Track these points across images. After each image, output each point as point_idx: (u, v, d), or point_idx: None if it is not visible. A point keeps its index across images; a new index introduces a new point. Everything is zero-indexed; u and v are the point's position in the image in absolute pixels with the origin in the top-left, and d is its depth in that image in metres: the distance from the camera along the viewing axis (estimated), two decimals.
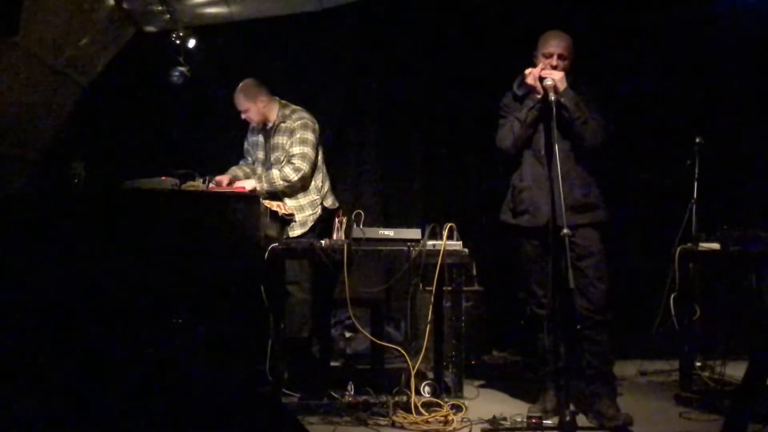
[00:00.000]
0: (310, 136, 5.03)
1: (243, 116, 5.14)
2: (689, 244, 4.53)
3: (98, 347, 3.95)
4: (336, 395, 4.29)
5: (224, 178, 4.97)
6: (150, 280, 4.06)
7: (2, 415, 3.61)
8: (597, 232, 4.18)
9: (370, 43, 6.15)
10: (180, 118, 5.78)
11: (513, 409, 4.24)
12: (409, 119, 6.20)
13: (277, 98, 5.17)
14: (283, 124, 5.09)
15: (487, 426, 3.92)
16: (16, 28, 3.91)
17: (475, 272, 5.61)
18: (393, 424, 4.03)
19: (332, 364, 5.26)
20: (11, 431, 3.54)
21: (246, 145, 5.35)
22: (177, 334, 4.05)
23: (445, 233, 4.33)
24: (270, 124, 5.15)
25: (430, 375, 4.73)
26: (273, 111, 5.13)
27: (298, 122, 5.05)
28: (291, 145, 5.02)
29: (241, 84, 5.10)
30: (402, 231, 4.42)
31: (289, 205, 4.97)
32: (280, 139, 5.09)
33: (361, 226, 4.36)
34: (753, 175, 5.79)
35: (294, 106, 5.18)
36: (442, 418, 4.06)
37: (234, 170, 5.22)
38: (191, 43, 5.23)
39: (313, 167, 5.07)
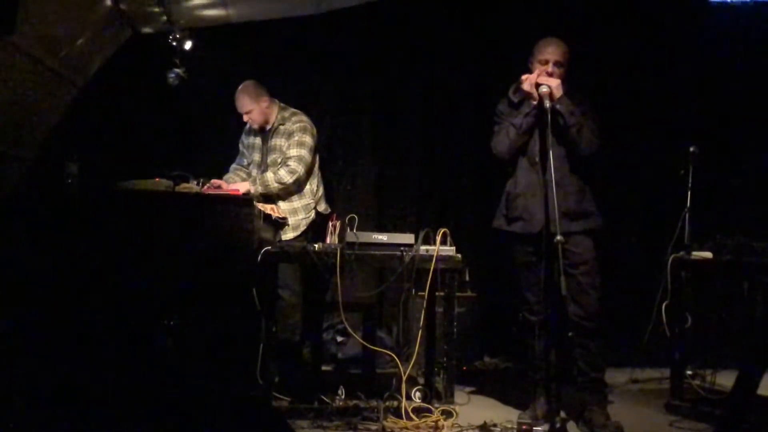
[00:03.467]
0: (308, 139, 5.04)
1: (245, 118, 5.14)
2: (682, 253, 4.53)
3: (91, 348, 3.94)
4: (327, 399, 4.30)
5: (223, 183, 4.98)
6: (143, 281, 4.05)
7: (1, 414, 3.61)
8: (590, 239, 4.19)
9: (366, 48, 6.15)
10: (176, 119, 5.77)
11: (504, 415, 4.25)
12: (404, 124, 6.20)
13: (276, 100, 5.18)
14: (282, 126, 5.09)
15: None
16: (12, 27, 3.90)
17: (467, 278, 5.60)
18: (383, 429, 4.04)
19: (323, 368, 5.23)
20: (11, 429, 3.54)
21: (241, 147, 5.35)
22: (169, 337, 4.04)
23: (438, 238, 4.34)
24: (269, 126, 5.15)
25: (421, 380, 4.72)
26: (273, 112, 5.15)
27: (297, 125, 5.06)
28: (288, 147, 5.02)
29: (242, 86, 5.11)
30: (395, 236, 4.43)
31: (282, 208, 4.97)
32: (278, 141, 5.09)
33: (354, 231, 4.37)
34: (746, 185, 5.81)
35: (293, 109, 5.19)
36: (433, 424, 4.07)
37: (230, 176, 5.22)
38: (188, 44, 5.22)
39: (309, 171, 5.07)
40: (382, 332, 5.64)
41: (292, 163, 4.96)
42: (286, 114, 5.14)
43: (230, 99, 5.17)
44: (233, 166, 5.35)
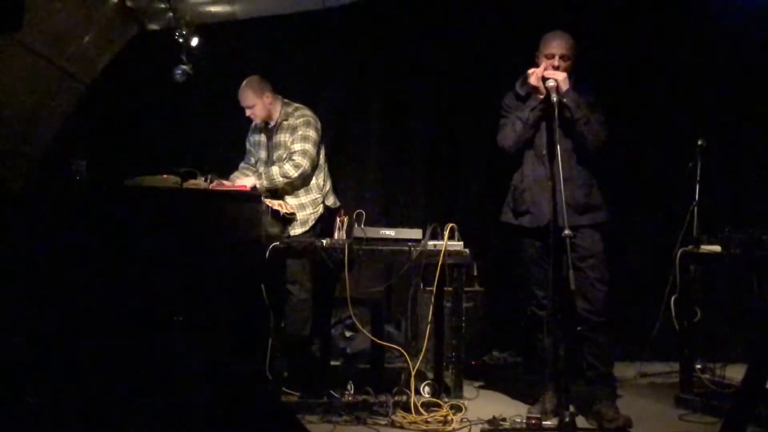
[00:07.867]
0: (312, 133, 5.03)
1: (248, 113, 5.13)
2: (690, 246, 4.52)
3: (98, 345, 3.96)
4: (336, 394, 4.29)
5: (227, 183, 4.95)
6: (151, 277, 4.06)
7: (3, 412, 3.62)
8: (598, 233, 4.18)
9: (373, 43, 6.14)
10: (182, 116, 5.78)
11: (512, 409, 4.24)
12: (412, 119, 6.19)
13: (280, 96, 5.17)
14: (285, 122, 5.09)
15: (486, 426, 3.92)
16: (19, 24, 3.91)
17: (475, 273, 5.60)
18: (392, 424, 4.04)
19: (332, 363, 5.25)
20: (13, 428, 3.55)
21: (248, 146, 5.34)
22: (177, 332, 4.05)
23: (446, 233, 4.34)
24: (272, 123, 5.15)
25: (430, 375, 4.73)
26: (276, 108, 5.13)
27: (301, 119, 5.05)
28: (293, 142, 5.02)
29: (246, 80, 5.10)
30: (403, 231, 4.42)
31: (290, 203, 4.97)
32: (282, 137, 5.09)
33: (362, 226, 4.37)
34: (755, 177, 5.78)
35: (296, 104, 5.18)
36: (442, 418, 4.06)
37: (236, 175, 5.21)
38: (194, 41, 5.22)
39: (314, 165, 5.07)
40: (391, 327, 5.65)
41: (297, 158, 4.96)
42: (290, 109, 5.13)
43: (237, 96, 5.16)
44: (241, 165, 5.34)
